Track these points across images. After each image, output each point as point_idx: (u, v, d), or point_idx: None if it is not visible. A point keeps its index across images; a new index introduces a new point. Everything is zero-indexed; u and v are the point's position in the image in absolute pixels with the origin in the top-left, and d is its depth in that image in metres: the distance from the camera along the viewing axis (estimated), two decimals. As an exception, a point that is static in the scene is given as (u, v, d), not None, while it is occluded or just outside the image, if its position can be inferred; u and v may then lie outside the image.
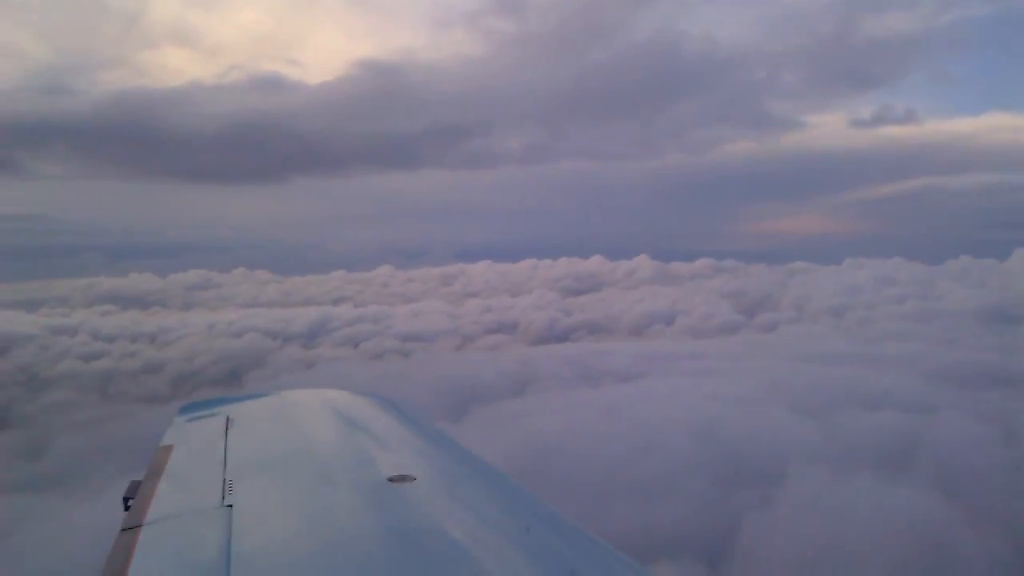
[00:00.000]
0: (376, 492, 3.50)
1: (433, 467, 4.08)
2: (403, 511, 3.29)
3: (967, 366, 46.83)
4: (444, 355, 71.68)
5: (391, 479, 3.58)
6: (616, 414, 35.04)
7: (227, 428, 4.75)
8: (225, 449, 4.28)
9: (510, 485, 3.93)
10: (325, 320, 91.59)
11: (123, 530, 3.22)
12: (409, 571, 2.77)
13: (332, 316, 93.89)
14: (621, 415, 34.86)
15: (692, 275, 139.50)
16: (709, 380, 44.59)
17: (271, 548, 2.97)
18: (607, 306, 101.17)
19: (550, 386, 45.63)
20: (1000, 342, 55.42)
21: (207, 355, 74.16)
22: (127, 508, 3.60)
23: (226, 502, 3.38)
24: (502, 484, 3.93)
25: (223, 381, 64.22)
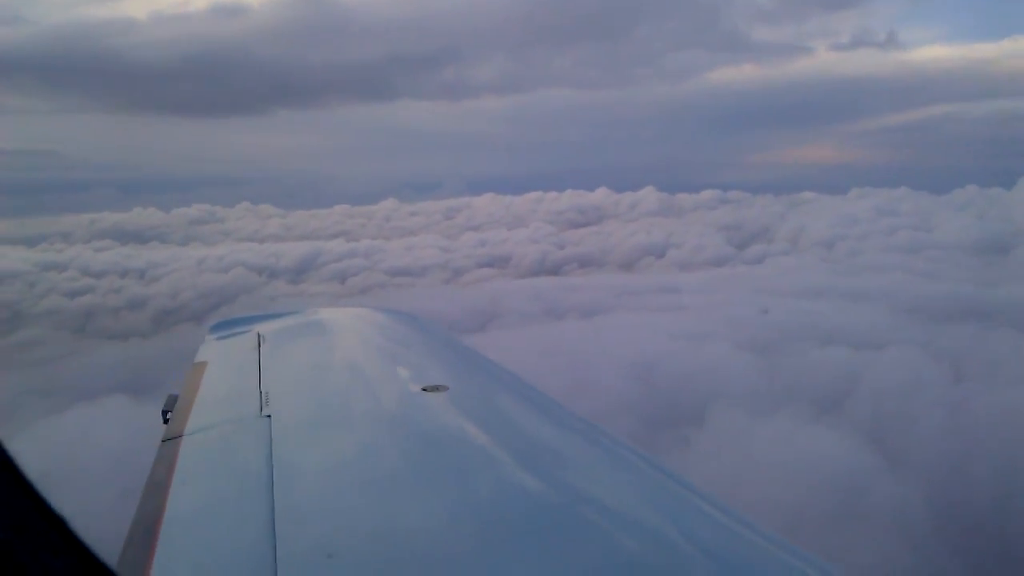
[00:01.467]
0: (410, 400, 3.56)
1: (465, 378, 4.17)
2: (437, 417, 3.35)
3: (939, 299, 45.75)
4: (425, 290, 71.22)
5: (425, 389, 3.61)
6: (561, 351, 34.37)
7: (259, 344, 4.79)
8: (259, 364, 4.32)
9: (542, 396, 3.93)
10: (316, 255, 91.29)
11: (164, 440, 3.29)
12: (445, 474, 2.78)
13: (323, 251, 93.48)
14: (565, 352, 34.20)
15: (696, 207, 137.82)
16: (671, 315, 43.89)
17: (312, 453, 3.01)
18: (603, 239, 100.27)
19: (512, 322, 45.09)
20: (982, 274, 54.08)
21: (191, 291, 74.19)
22: (166, 421, 3.66)
23: (264, 412, 3.42)
24: (533, 395, 3.94)
25: (203, 317, 64.16)
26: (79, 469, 20.25)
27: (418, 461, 2.90)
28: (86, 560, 0.77)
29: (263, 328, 5.26)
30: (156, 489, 2.77)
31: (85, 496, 15.77)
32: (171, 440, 3.27)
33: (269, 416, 3.36)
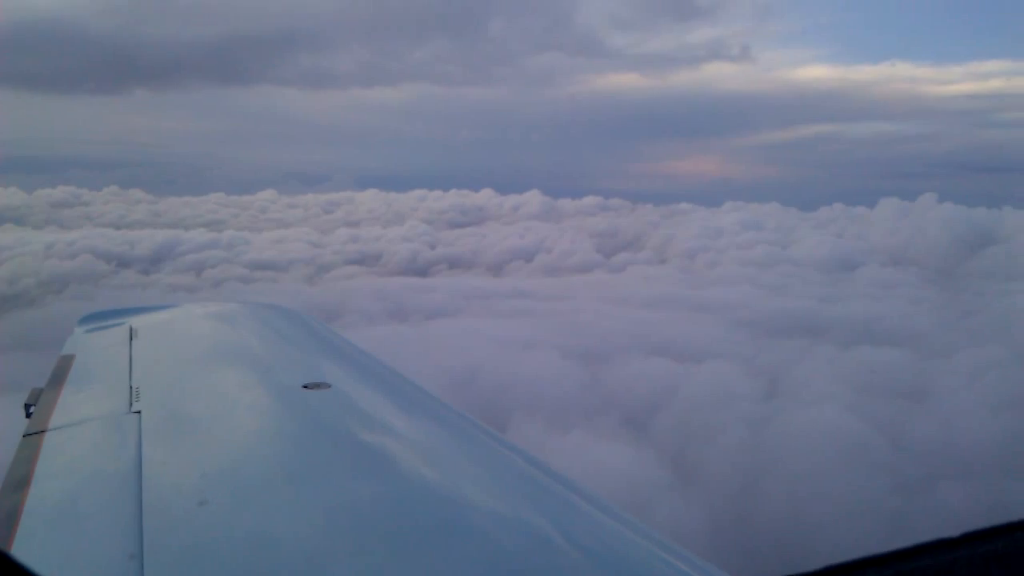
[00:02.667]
0: (290, 398, 3.43)
1: (347, 375, 4.03)
2: (319, 415, 3.26)
3: (777, 314, 46.62)
4: (281, 285, 69.11)
5: (305, 386, 3.50)
6: (382, 354, 33.24)
7: (131, 338, 4.58)
8: (130, 358, 4.13)
9: (424, 392, 3.88)
10: (174, 244, 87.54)
11: (26, 435, 3.16)
12: (324, 472, 2.70)
13: (183, 240, 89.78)
14: (386, 356, 33.09)
15: (577, 212, 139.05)
16: (512, 321, 43.36)
17: (183, 451, 2.90)
18: (477, 240, 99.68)
19: (351, 322, 43.62)
20: (825, 290, 55.57)
21: (32, 277, 70.05)
22: (28, 415, 3.50)
23: (134, 408, 3.29)
24: (415, 392, 3.87)
25: (39, 305, 60.51)
26: None
27: (295, 459, 2.82)
28: None
29: (136, 322, 5.04)
30: (15, 485, 2.67)
31: None
32: (33, 435, 3.17)
33: (139, 412, 3.25)
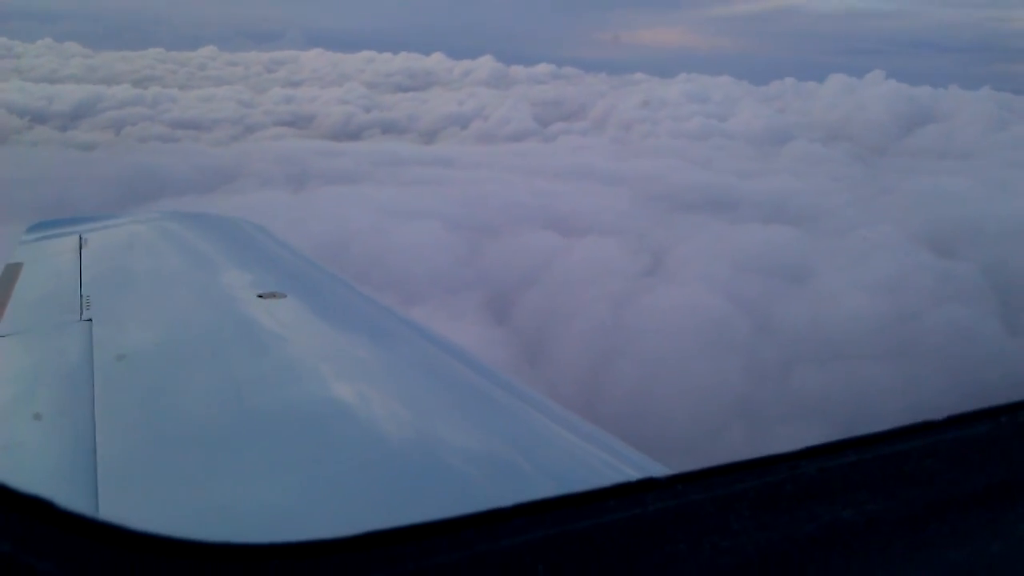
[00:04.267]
0: (244, 307, 3.42)
1: (302, 285, 4.05)
2: (273, 324, 3.25)
3: (692, 188, 45.39)
4: (194, 145, 66.65)
5: (260, 295, 3.46)
6: (262, 219, 31.70)
7: (80, 247, 4.47)
8: (80, 267, 4.06)
9: (377, 303, 3.92)
10: (96, 100, 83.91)
11: None
12: (278, 376, 2.76)
13: (105, 96, 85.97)
14: (265, 221, 31.56)
15: (528, 80, 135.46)
16: (412, 190, 41.75)
17: (136, 357, 2.87)
18: (417, 105, 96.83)
19: (245, 186, 41.80)
20: (749, 165, 54.24)
21: (-65, 131, 66.76)
22: None
23: (85, 317, 3.25)
24: (369, 301, 3.93)
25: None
26: None
27: (247, 365, 2.84)
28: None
29: (86, 231, 4.92)
30: None
31: None
32: None
33: (90, 320, 3.21)
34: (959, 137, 64.28)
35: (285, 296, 3.47)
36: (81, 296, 3.53)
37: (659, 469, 2.30)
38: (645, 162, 55.41)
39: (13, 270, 4.17)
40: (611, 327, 24.15)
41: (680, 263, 29.60)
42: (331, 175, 44.84)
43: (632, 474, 2.23)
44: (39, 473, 2.08)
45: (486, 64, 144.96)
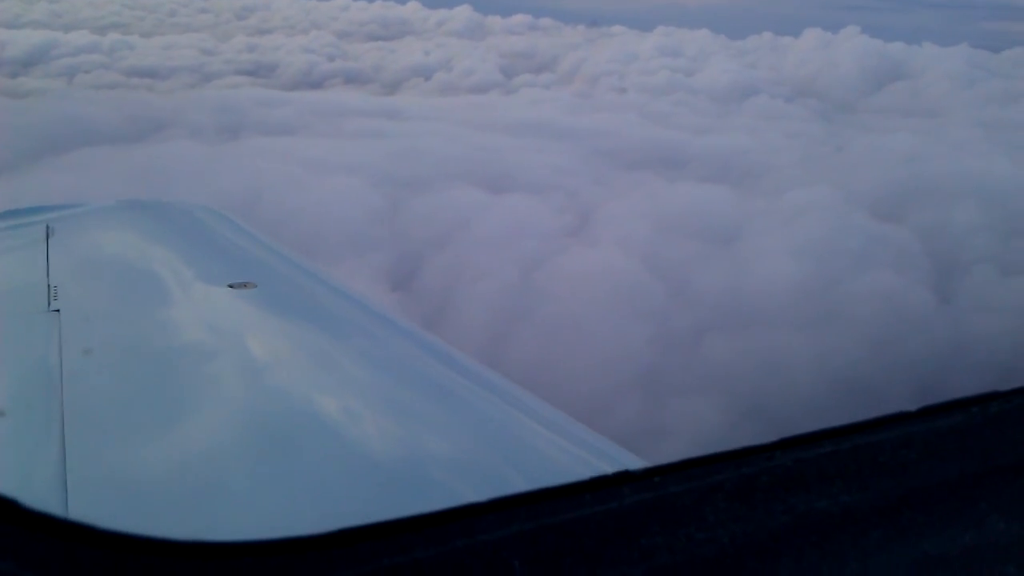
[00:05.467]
0: (215, 297, 3.42)
1: (273, 274, 4.05)
2: (244, 314, 3.26)
3: (643, 145, 44.12)
4: (143, 93, 65.22)
5: (231, 285, 3.42)
6: (174, 172, 30.35)
7: (48, 236, 4.32)
8: (47, 256, 3.94)
9: (349, 292, 3.92)
10: (50, 46, 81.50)
11: None
12: (250, 368, 2.75)
13: (60, 42, 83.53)
14: (179, 173, 30.20)
15: (503, 31, 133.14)
16: (347, 143, 40.38)
17: (105, 348, 2.84)
18: (383, 56, 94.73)
19: (172, 135, 40.20)
20: (707, 121, 52.82)
21: None
22: None
23: (53, 307, 3.18)
24: (341, 291, 3.91)
25: None
26: None
27: (218, 355, 2.84)
28: None
29: (53, 220, 4.69)
30: None
31: None
32: None
33: (58, 311, 3.14)
34: (928, 94, 62.97)
35: (256, 286, 3.45)
36: (49, 286, 3.44)
37: (635, 461, 2.30)
38: (602, 117, 54.00)
39: None
40: (515, 290, 23.05)
41: (604, 223, 28.43)
42: (268, 126, 43.30)
43: (607, 467, 2.11)
44: (3, 472, 2.00)
45: (462, 14, 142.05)
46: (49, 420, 2.18)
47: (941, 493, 0.91)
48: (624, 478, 0.89)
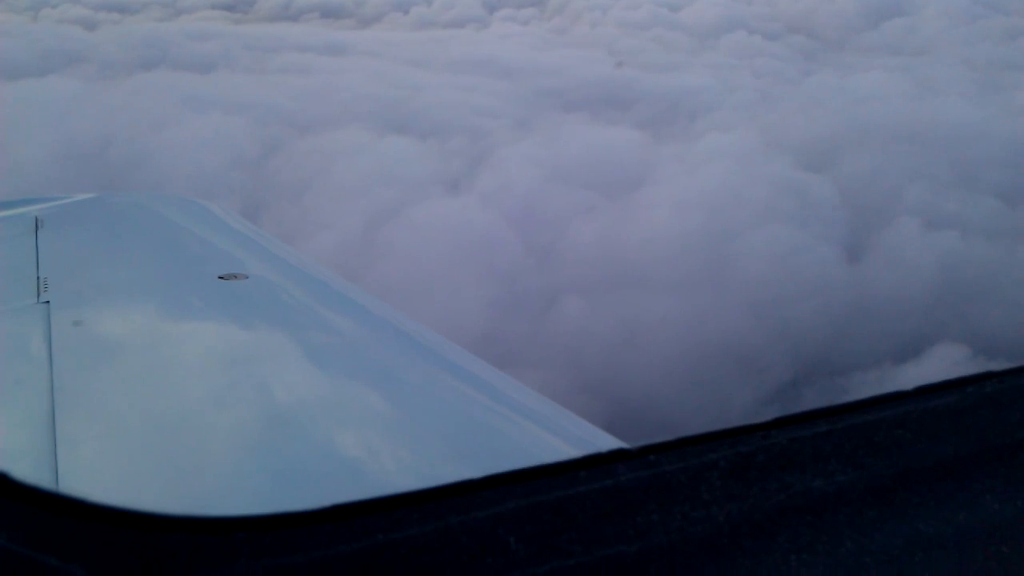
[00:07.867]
0: (205, 289, 3.41)
1: (264, 266, 4.03)
2: (235, 306, 3.24)
3: (589, 84, 40.97)
4: (113, 28, 62.78)
5: (221, 277, 3.42)
6: (100, 112, 28.17)
7: (37, 228, 4.31)
8: (37, 248, 3.93)
9: (341, 282, 3.93)
10: (21, -21, 78.98)
11: None
12: (241, 356, 2.72)
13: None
14: (99, 114, 28.00)
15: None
16: (261, 79, 37.84)
17: (94, 339, 2.86)
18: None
19: (73, 72, 37.73)
20: (675, 59, 49.32)
21: None
22: None
23: (42, 299, 3.18)
24: (332, 281, 3.91)
25: None
26: None
27: (211, 348, 2.83)
28: None
29: (41, 211, 4.71)
30: None
31: None
32: None
33: (48, 302, 3.14)
34: (923, 31, 58.73)
35: (247, 277, 3.41)
36: (38, 278, 3.40)
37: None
38: (566, 53, 50.80)
39: None
40: (353, 245, 20.57)
41: (493, 170, 25.69)
42: (183, 61, 40.57)
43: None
44: None
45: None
46: (39, 411, 2.14)
47: (936, 473, 0.91)
48: (619, 456, 0.89)
